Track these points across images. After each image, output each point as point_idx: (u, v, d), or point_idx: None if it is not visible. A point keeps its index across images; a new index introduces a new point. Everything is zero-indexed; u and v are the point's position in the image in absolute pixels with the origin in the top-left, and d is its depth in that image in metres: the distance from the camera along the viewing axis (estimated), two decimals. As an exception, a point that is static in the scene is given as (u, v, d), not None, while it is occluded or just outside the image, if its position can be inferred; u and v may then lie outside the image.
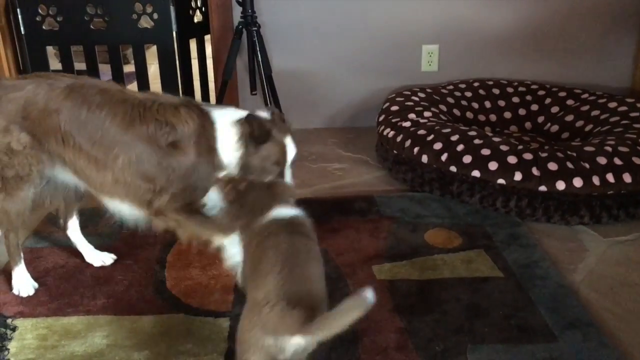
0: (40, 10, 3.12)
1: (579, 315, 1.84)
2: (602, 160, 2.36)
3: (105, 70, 3.32)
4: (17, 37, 3.19)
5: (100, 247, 2.20)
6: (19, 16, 3.10)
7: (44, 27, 3.15)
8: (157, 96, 1.86)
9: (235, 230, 1.66)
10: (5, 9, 3.10)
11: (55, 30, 3.16)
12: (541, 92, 3.20)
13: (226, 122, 1.80)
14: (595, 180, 2.32)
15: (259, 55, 3.03)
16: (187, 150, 1.78)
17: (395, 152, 2.76)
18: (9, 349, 1.71)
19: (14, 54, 3.20)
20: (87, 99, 1.78)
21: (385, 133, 2.84)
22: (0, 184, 1.85)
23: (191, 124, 1.77)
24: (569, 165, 2.36)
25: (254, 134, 1.75)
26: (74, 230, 2.16)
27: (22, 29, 3.13)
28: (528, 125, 3.16)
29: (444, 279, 2.04)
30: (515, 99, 3.21)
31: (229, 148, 1.80)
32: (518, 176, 2.37)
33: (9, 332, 1.78)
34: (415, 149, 2.63)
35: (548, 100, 3.15)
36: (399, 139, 2.73)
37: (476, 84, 3.27)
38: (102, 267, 2.13)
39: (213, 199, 1.85)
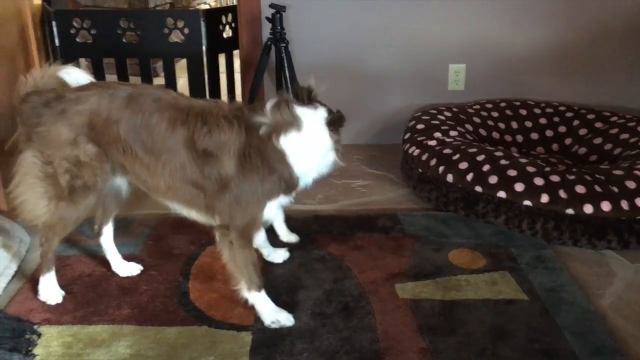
0: (75, 23, 3.19)
1: (606, 342, 1.81)
2: (631, 185, 2.33)
3: (134, 82, 3.38)
4: (51, 49, 3.27)
5: (125, 256, 2.23)
6: (54, 29, 3.18)
7: (77, 40, 3.22)
8: (212, 103, 1.88)
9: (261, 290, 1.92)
10: (41, 21, 3.18)
11: (89, 43, 3.23)
12: (569, 114, 3.17)
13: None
14: (624, 204, 2.28)
15: (287, 71, 3.07)
16: (223, 160, 1.79)
17: (420, 170, 2.75)
18: (34, 354, 1.74)
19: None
20: (142, 108, 1.83)
21: (410, 151, 2.84)
22: (66, 192, 1.90)
23: (225, 135, 1.78)
24: (597, 188, 2.33)
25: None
26: (107, 237, 2.19)
27: (56, 40, 3.20)
28: (555, 147, 3.13)
29: (468, 300, 2.03)
30: (543, 120, 3.19)
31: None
32: (545, 198, 2.34)
33: (34, 337, 1.80)
34: (441, 168, 2.62)
35: (576, 122, 3.12)
36: (424, 157, 2.73)
37: (503, 104, 3.26)
38: (128, 277, 2.15)
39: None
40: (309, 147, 1.82)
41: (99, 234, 2.18)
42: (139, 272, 2.18)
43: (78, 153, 1.86)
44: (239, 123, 1.80)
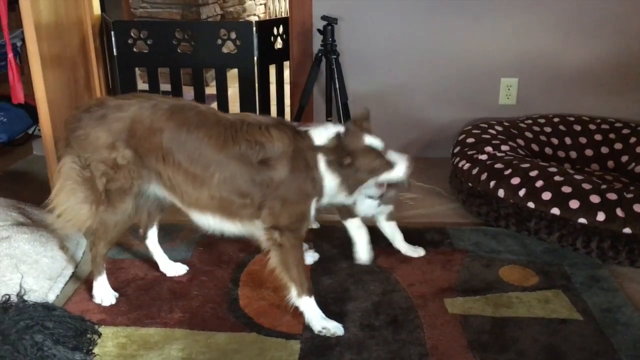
0: (132, 34, 3.29)
1: (666, 367, 1.75)
2: (692, 205, 2.25)
3: (186, 91, 3.45)
4: (109, 58, 3.37)
5: (176, 261, 2.28)
6: (112, 39, 3.28)
7: (134, 50, 3.31)
8: (247, 117, 1.97)
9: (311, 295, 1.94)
10: (100, 31, 3.29)
11: (145, 53, 3.32)
12: (625, 131, 3.09)
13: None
14: (685, 225, 2.21)
15: (337, 83, 3.08)
16: (278, 166, 1.89)
17: (470, 184, 2.72)
18: (94, 354, 1.78)
19: (104, 74, 3.38)
20: (186, 120, 1.91)
21: (460, 165, 2.82)
22: (104, 196, 1.97)
23: (281, 144, 1.89)
24: (657, 207, 2.26)
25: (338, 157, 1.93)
26: (152, 240, 2.26)
27: (114, 50, 3.30)
28: (610, 164, 3.05)
29: (520, 317, 1.99)
30: (598, 137, 3.11)
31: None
32: (601, 216, 2.28)
33: (95, 337, 1.84)
34: (492, 183, 2.58)
35: (633, 139, 3.03)
36: (474, 171, 2.70)
37: (556, 120, 3.19)
38: (179, 282, 2.20)
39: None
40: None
41: (144, 237, 2.26)
42: (184, 272, 2.25)
43: (116, 156, 1.92)
44: (283, 130, 1.92)
